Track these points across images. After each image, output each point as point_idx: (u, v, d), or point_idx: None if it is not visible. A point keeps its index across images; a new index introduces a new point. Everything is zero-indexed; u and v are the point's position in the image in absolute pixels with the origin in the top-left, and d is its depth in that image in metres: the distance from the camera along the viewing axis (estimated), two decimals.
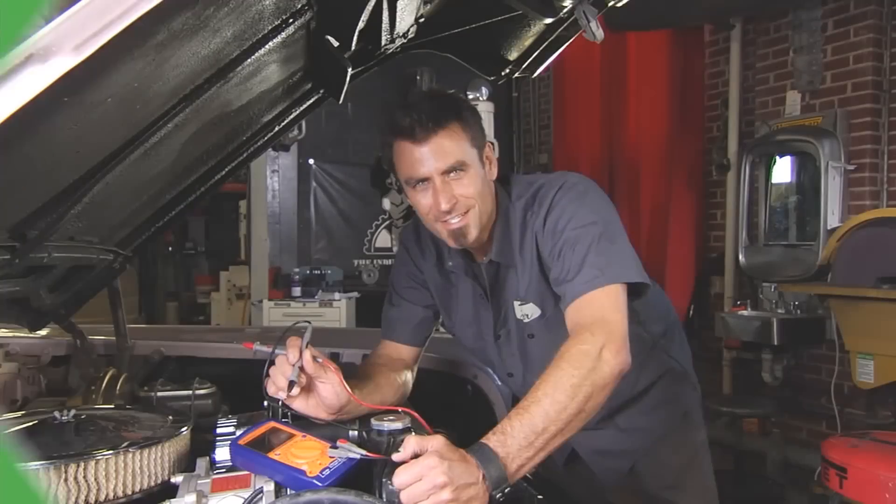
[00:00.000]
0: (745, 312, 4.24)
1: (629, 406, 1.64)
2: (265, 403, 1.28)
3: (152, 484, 1.08)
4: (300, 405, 1.27)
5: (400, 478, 0.99)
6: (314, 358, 1.26)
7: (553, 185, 1.43)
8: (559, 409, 1.12)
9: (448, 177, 1.36)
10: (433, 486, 0.98)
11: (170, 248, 9.56)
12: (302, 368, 1.24)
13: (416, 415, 1.22)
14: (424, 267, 1.61)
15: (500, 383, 1.97)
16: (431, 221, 1.42)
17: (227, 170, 1.81)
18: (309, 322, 1.33)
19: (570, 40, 1.69)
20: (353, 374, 1.49)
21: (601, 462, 1.70)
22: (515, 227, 1.46)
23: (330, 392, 1.27)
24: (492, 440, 1.08)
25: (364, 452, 1.07)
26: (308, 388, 1.27)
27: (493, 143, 1.50)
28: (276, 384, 1.22)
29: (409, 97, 1.40)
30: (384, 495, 1.02)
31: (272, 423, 1.18)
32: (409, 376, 1.58)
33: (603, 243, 1.33)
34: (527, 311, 1.49)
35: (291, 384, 1.21)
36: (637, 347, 1.53)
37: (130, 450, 1.05)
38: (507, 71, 1.86)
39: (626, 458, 1.69)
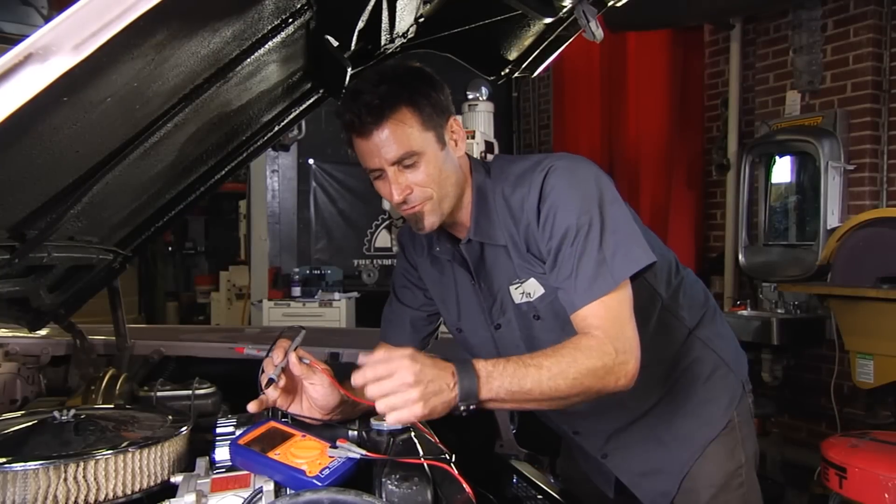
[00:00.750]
0: (744, 312, 4.24)
1: (663, 403, 1.52)
2: None
3: (152, 484, 1.07)
4: (295, 408, 1.26)
5: (369, 372, 1.07)
6: (300, 359, 1.24)
7: (541, 166, 1.35)
8: (552, 387, 1.15)
9: (401, 166, 1.30)
10: (402, 384, 1.05)
11: (170, 248, 9.58)
12: (286, 370, 1.23)
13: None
14: (418, 262, 1.57)
15: None
16: (394, 207, 1.39)
17: (227, 170, 1.81)
18: (303, 328, 1.33)
19: (570, 40, 1.69)
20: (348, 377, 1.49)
21: (645, 485, 1.56)
22: (495, 203, 1.40)
23: (320, 393, 1.25)
24: (479, 363, 1.13)
25: (364, 452, 1.07)
26: (296, 390, 1.27)
27: (457, 117, 1.41)
28: (261, 384, 1.23)
29: (359, 79, 1.32)
30: (384, 495, 1.02)
31: (272, 423, 1.18)
32: None
33: (605, 236, 1.27)
34: (528, 290, 1.40)
35: (270, 381, 1.21)
36: (668, 336, 1.50)
37: (130, 449, 1.05)
38: (507, 71, 1.85)
39: (671, 477, 1.53)
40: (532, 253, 1.37)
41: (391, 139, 1.28)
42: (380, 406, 1.07)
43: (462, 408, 1.11)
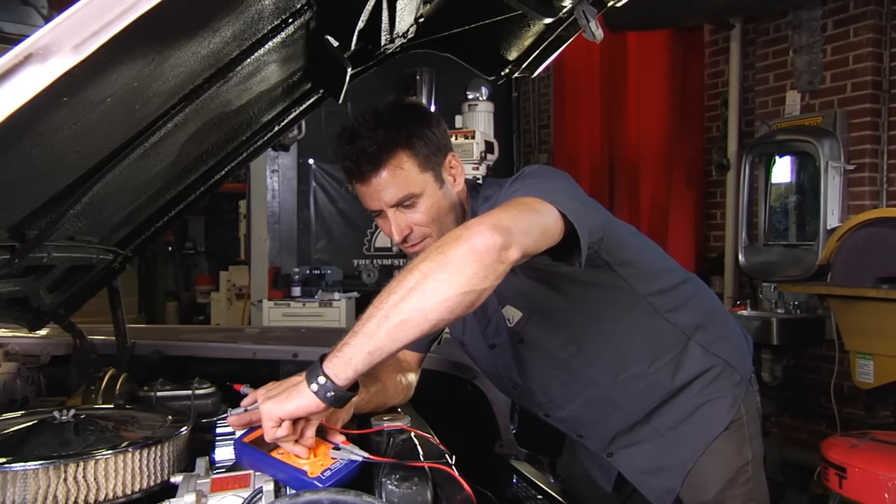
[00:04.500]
0: (744, 312, 4.23)
1: (667, 405, 1.53)
2: None
3: (152, 484, 1.07)
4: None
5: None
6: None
7: (511, 178, 1.37)
8: (404, 285, 1.00)
9: (400, 207, 1.34)
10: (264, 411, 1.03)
11: (170, 248, 9.58)
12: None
13: (412, 429, 1.23)
14: None
15: None
16: (397, 244, 1.41)
17: (227, 170, 1.81)
18: None
19: (570, 40, 1.69)
20: None
21: (649, 482, 1.57)
22: None
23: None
24: (326, 359, 1.04)
25: (366, 455, 1.07)
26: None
27: (455, 154, 1.42)
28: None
29: (356, 120, 1.34)
30: (384, 495, 1.02)
31: None
32: (412, 378, 1.58)
33: (541, 185, 1.20)
34: (509, 315, 1.45)
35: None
36: (664, 343, 1.52)
37: (130, 449, 1.05)
38: (507, 71, 1.85)
39: (675, 474, 1.54)
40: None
41: (389, 183, 1.31)
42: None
43: (328, 394, 1.01)
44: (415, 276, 1.00)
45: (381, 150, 1.30)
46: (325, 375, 1.02)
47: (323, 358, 1.05)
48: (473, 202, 1.45)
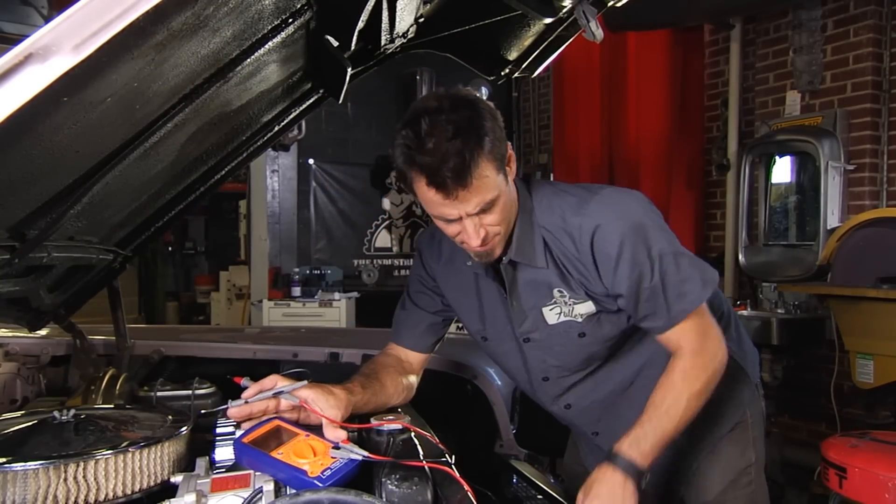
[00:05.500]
0: (744, 312, 4.24)
1: None
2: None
3: (152, 484, 1.07)
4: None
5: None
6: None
7: (589, 199, 1.36)
8: (681, 418, 1.34)
9: (479, 214, 1.29)
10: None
11: (170, 248, 9.58)
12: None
13: (412, 427, 1.23)
14: (436, 270, 1.57)
15: (500, 384, 1.96)
16: (458, 243, 1.37)
17: (227, 170, 1.81)
18: (307, 378, 1.31)
19: (570, 40, 1.69)
20: (359, 372, 1.49)
21: (655, 482, 1.56)
22: (537, 228, 1.40)
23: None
24: (630, 451, 1.30)
25: (366, 454, 1.07)
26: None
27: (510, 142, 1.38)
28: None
29: (429, 122, 1.22)
30: (384, 495, 1.02)
31: (277, 422, 1.18)
32: (413, 380, 1.57)
33: (679, 261, 1.37)
34: (582, 311, 1.42)
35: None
36: None
37: (130, 449, 1.05)
38: (507, 71, 1.85)
39: (679, 474, 1.58)
40: (579, 282, 1.40)
41: (475, 194, 1.25)
42: None
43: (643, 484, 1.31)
44: (697, 402, 1.36)
45: (468, 162, 1.21)
46: (631, 461, 1.30)
47: (631, 460, 1.30)
48: (522, 197, 1.41)
